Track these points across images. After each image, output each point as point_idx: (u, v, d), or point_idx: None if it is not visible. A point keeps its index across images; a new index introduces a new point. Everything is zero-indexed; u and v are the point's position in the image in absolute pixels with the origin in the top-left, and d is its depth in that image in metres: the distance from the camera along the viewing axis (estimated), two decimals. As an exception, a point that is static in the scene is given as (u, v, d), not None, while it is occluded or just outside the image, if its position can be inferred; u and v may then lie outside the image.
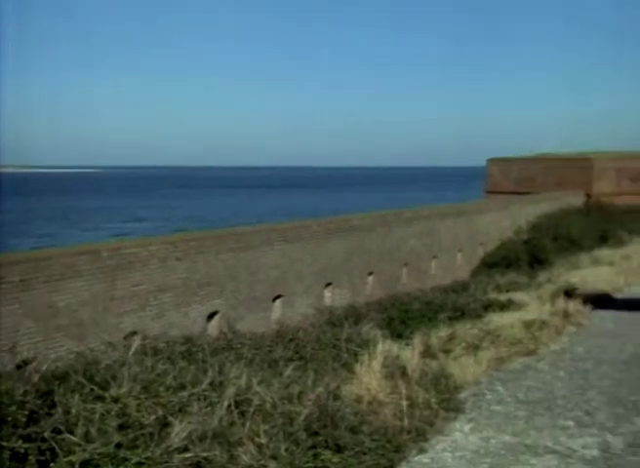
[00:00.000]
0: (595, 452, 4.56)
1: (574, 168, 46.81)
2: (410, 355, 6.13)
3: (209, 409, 4.72)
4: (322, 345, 7.02)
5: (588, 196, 44.09)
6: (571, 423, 5.09)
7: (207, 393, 4.89)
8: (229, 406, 4.77)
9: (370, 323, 8.01)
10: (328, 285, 16.46)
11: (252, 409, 4.79)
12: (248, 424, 4.61)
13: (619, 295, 10.36)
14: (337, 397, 5.24)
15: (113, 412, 4.33)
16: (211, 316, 12.49)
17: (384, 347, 6.22)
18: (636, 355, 7.06)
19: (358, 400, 5.30)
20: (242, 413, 4.76)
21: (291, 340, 7.26)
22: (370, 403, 5.26)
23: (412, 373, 5.75)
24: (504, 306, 9.22)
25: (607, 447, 4.65)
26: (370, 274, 18.62)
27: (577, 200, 41.55)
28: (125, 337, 9.81)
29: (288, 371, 5.63)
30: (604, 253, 15.75)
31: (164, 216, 68.70)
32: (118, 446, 4.03)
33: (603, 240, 24.99)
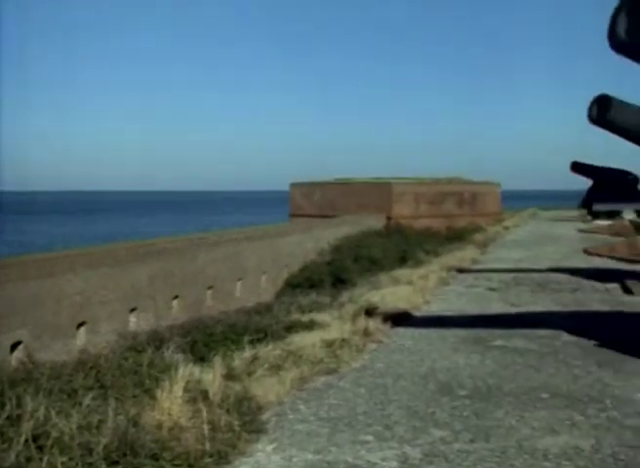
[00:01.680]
0: (394, 464, 4.67)
1: (374, 192, 48.61)
2: (212, 378, 6.05)
3: (5, 445, 4.45)
4: (123, 372, 6.80)
5: (389, 219, 45.83)
6: (371, 438, 5.19)
7: (4, 429, 4.62)
8: (27, 440, 4.52)
9: (173, 347, 7.87)
10: (133, 310, 16.12)
11: (50, 443, 4.55)
12: (46, 458, 4.38)
13: (417, 313, 10.75)
14: (137, 424, 5.09)
15: None
16: (14, 346, 11.90)
17: (187, 371, 6.11)
18: (432, 369, 7.33)
19: (159, 426, 5.16)
20: (40, 447, 4.52)
21: (92, 368, 6.99)
22: (171, 428, 5.14)
23: (214, 397, 5.67)
24: (307, 326, 9.33)
25: (405, 458, 4.78)
26: (175, 298, 18.42)
27: (377, 223, 43.06)
28: None
29: (87, 401, 5.40)
30: (403, 272, 16.32)
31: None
32: None
33: (402, 260, 26.01)
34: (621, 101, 11.69)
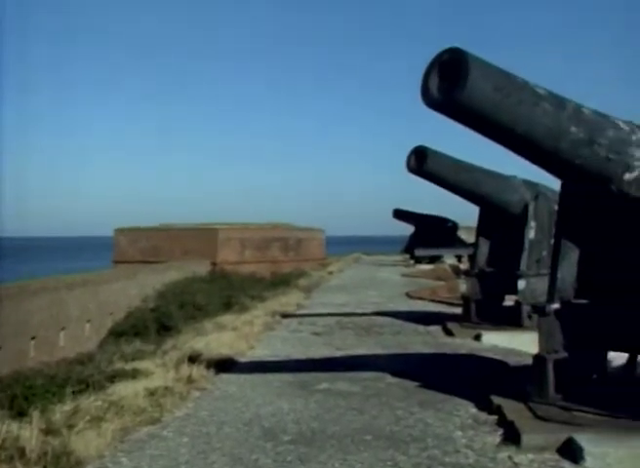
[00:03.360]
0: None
1: (199, 237, 48.42)
2: (29, 434, 5.84)
3: None
4: None
5: (214, 264, 45.69)
6: (194, 487, 5.16)
7: None
8: None
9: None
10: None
11: None
12: None
13: (242, 359, 10.75)
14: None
15: None
16: None
17: (3, 428, 5.87)
18: (257, 415, 7.36)
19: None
20: None
21: None
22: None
23: (30, 454, 5.48)
24: (130, 375, 9.16)
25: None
26: (-8, 350, 17.55)
27: (202, 268, 42.86)
28: None
29: None
30: (228, 318, 16.31)
31: None
32: None
33: (228, 306, 25.97)
34: (437, 152, 12.31)
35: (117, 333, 25.75)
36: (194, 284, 34.80)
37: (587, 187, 6.79)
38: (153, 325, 26.21)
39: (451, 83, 5.67)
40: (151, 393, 7.85)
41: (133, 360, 11.07)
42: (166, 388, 8.12)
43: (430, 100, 5.83)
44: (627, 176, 6.43)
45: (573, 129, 6.06)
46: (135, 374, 9.23)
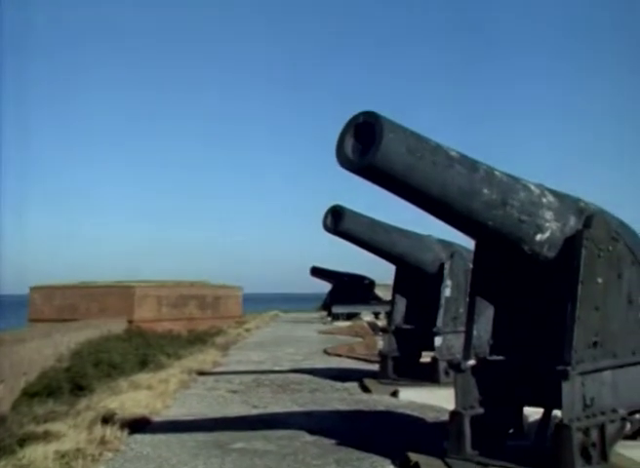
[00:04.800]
0: None
1: (116, 295, 47.71)
2: None
3: None
4: None
5: (130, 322, 44.99)
6: None
7: None
8: None
9: None
10: None
11: None
12: None
13: (157, 419, 10.56)
14: None
15: None
16: None
17: None
18: (172, 476, 7.22)
19: None
20: None
21: None
22: None
23: None
24: (41, 438, 8.89)
25: None
26: None
27: (118, 326, 42.15)
28: None
29: None
30: (144, 377, 16.00)
31: None
32: None
33: (143, 364, 25.53)
34: (353, 212, 12.50)
35: (30, 394, 25.07)
36: (110, 342, 34.16)
37: (501, 247, 6.98)
38: (67, 385, 25.57)
39: (365, 145, 5.79)
40: (62, 456, 7.63)
41: (45, 421, 10.76)
42: (78, 450, 7.90)
43: (345, 162, 5.94)
44: (539, 237, 6.64)
45: (485, 190, 6.24)
46: (46, 436, 8.97)
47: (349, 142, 5.91)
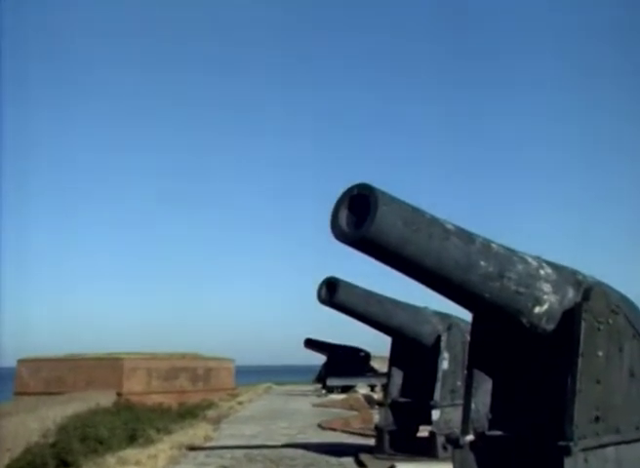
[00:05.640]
0: None
1: (104, 367, 47.12)
2: None
3: None
4: None
5: (119, 395, 44.33)
6: None
7: None
8: None
9: None
10: None
11: None
12: None
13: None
14: None
15: None
16: None
17: None
18: None
19: None
20: None
21: None
22: None
23: None
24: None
25: None
26: None
27: (107, 399, 41.40)
28: None
29: None
30: (132, 452, 15.65)
31: None
32: None
33: (132, 439, 24.99)
34: (348, 284, 12.42)
35: (14, 471, 24.55)
36: (97, 416, 33.44)
37: (498, 319, 6.86)
38: (52, 461, 24.99)
39: (360, 217, 5.71)
40: None
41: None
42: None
43: (340, 234, 5.85)
44: (538, 310, 6.53)
45: (482, 263, 6.15)
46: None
47: (344, 214, 5.84)
